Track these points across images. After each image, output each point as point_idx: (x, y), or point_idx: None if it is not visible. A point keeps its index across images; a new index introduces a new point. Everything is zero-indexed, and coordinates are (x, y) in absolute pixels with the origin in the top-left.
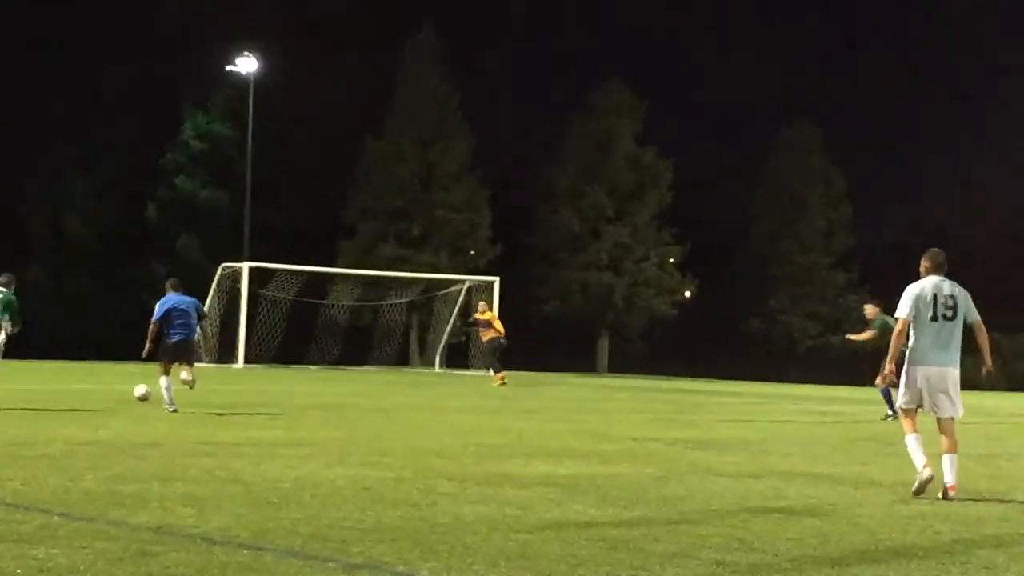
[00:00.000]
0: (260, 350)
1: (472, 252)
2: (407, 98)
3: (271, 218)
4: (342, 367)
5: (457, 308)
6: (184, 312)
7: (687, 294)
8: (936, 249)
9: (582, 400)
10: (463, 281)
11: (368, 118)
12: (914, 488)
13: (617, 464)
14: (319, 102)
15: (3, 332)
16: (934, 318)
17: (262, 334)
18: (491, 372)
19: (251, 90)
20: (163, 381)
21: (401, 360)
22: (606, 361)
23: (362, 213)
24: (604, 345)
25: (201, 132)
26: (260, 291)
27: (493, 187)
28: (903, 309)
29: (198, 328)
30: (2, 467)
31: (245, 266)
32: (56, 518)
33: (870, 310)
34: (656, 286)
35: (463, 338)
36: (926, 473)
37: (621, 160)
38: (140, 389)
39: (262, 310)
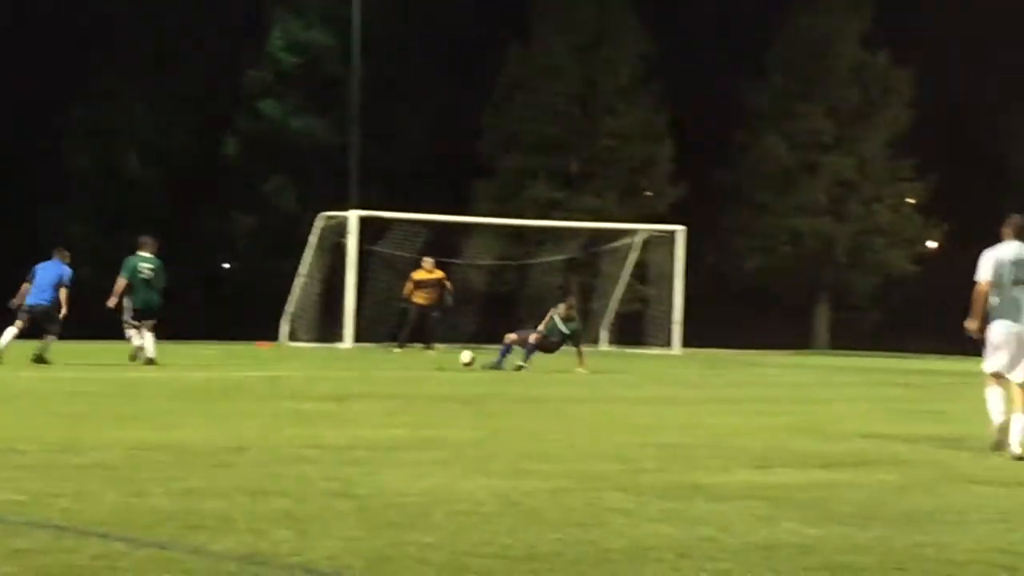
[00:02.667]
0: (373, 325)
1: (648, 193)
2: None
3: (385, 154)
4: (478, 346)
5: (629, 267)
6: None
7: (931, 245)
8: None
9: (794, 386)
10: (637, 231)
11: (509, 19)
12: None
13: (843, 470)
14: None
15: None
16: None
17: (375, 304)
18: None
19: None
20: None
21: None
22: (826, 334)
23: (503, 145)
24: (822, 313)
25: (293, 42)
26: (372, 248)
27: (675, 108)
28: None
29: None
30: (45, 480)
31: (352, 215)
32: (117, 544)
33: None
34: (891, 235)
35: (637, 306)
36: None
37: (844, 70)
38: (466, 355)
39: (374, 273)
